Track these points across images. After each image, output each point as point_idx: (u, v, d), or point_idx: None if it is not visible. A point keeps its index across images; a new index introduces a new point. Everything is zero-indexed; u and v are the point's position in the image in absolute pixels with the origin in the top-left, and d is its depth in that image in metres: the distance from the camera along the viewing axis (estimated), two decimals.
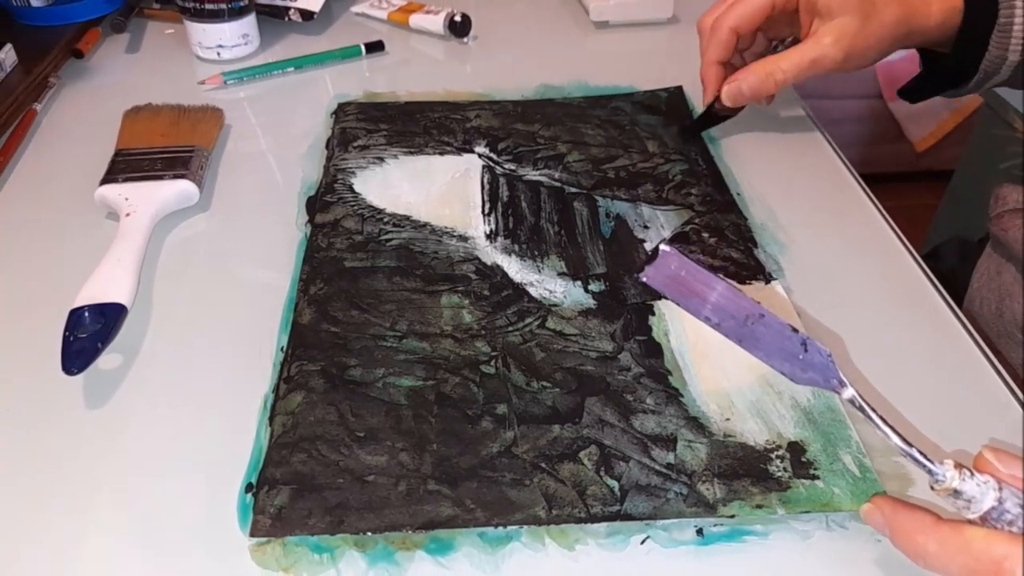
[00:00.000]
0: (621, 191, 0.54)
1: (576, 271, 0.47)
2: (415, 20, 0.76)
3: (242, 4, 0.69)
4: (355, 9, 0.80)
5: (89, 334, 0.40)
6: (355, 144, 0.58)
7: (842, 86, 1.78)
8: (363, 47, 0.71)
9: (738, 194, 0.54)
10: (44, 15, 0.72)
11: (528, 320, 0.44)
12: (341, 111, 0.63)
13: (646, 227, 0.51)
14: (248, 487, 0.35)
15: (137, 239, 0.47)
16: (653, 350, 0.42)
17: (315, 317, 0.44)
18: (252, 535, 0.33)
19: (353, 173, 0.55)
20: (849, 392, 0.33)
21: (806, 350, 0.33)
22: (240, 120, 0.63)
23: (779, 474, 0.36)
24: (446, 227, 0.50)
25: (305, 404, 0.39)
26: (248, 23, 0.70)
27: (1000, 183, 0.62)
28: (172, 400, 0.40)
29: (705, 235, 0.50)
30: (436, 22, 0.74)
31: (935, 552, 0.29)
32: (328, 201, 0.52)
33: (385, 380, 0.40)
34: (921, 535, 0.29)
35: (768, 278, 0.47)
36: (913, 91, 0.59)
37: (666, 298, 0.34)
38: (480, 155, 0.57)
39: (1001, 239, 0.59)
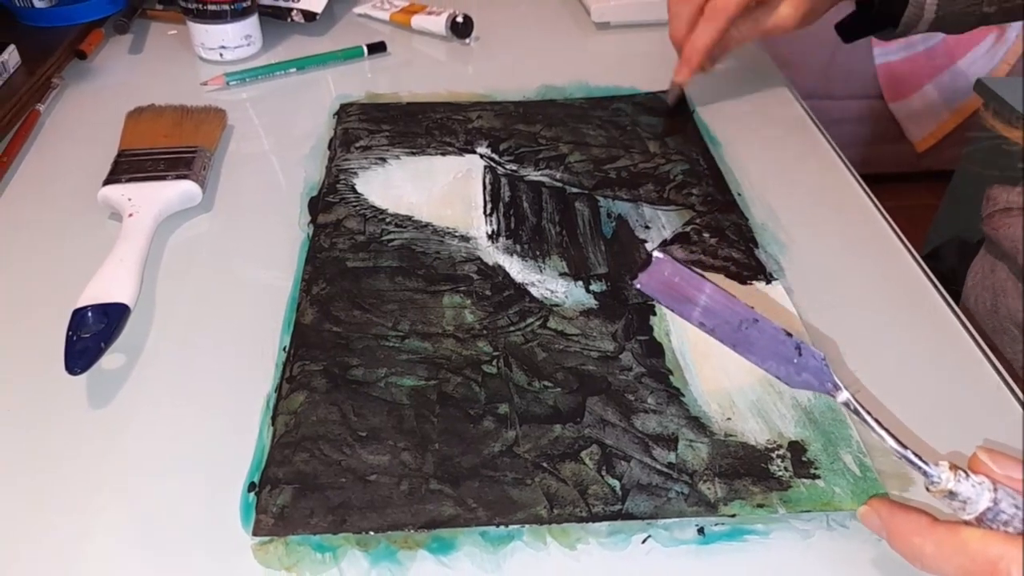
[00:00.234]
0: (622, 191, 0.54)
1: (577, 271, 0.47)
2: (417, 21, 0.76)
3: (245, 5, 0.69)
4: (357, 10, 0.80)
5: (92, 334, 0.40)
6: (357, 145, 0.58)
7: (843, 87, 1.78)
8: (365, 48, 0.71)
9: (739, 194, 0.54)
10: (47, 16, 0.73)
11: (530, 320, 0.44)
12: (343, 112, 0.63)
13: (647, 227, 0.51)
14: (251, 486, 0.35)
15: (140, 239, 0.48)
16: (654, 350, 0.42)
17: (317, 317, 0.44)
18: (255, 534, 0.33)
19: (355, 173, 0.55)
20: (844, 396, 0.33)
21: (800, 354, 0.34)
22: (242, 121, 0.63)
23: (780, 473, 0.36)
24: (448, 227, 0.51)
25: (307, 404, 0.39)
26: (251, 24, 0.70)
27: (991, 184, 0.64)
28: (174, 400, 0.40)
29: (706, 235, 0.50)
30: (438, 23, 0.74)
31: (932, 553, 0.29)
32: (330, 201, 0.53)
33: (387, 380, 0.40)
34: (918, 537, 0.29)
35: (769, 278, 0.47)
36: (847, 30, 0.63)
37: (660, 304, 0.35)
38: (482, 156, 0.57)
39: (993, 238, 0.60)
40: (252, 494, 0.35)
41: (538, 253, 0.49)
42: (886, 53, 1.73)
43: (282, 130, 0.63)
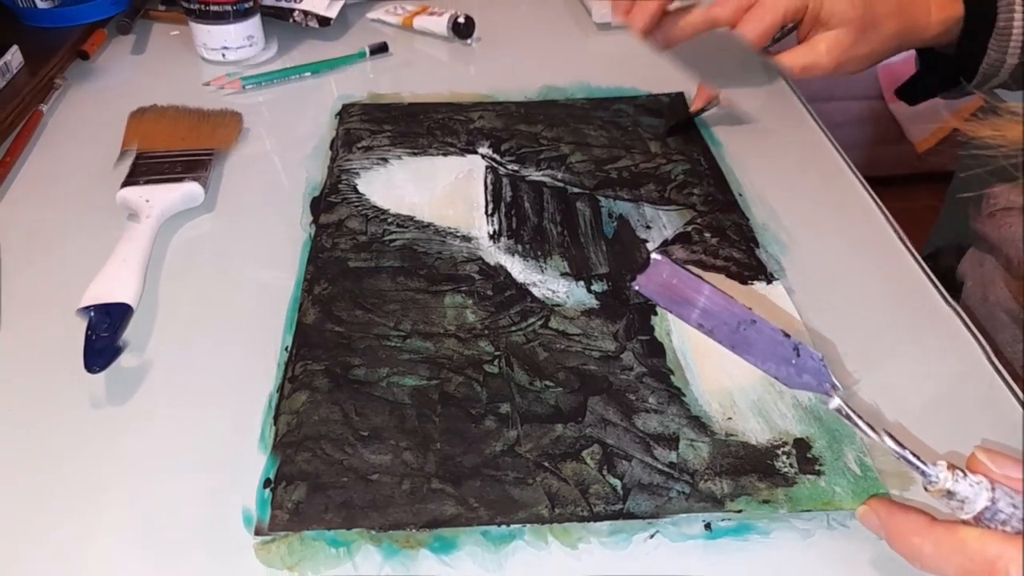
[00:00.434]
0: (623, 191, 0.54)
1: (579, 271, 0.47)
2: (419, 22, 0.76)
3: (247, 6, 0.69)
4: (371, 15, 0.80)
5: (110, 333, 0.40)
6: (359, 145, 0.59)
7: (844, 88, 1.78)
8: (367, 49, 0.72)
9: (740, 194, 0.54)
10: (50, 16, 0.73)
11: (531, 320, 0.44)
12: (345, 112, 0.63)
13: (648, 227, 0.51)
14: (267, 482, 0.36)
15: (143, 240, 0.48)
16: (655, 350, 0.42)
17: (319, 317, 0.44)
18: (270, 529, 0.34)
19: (357, 174, 0.56)
20: (835, 402, 0.33)
21: (799, 355, 0.34)
22: (247, 123, 0.63)
23: (785, 470, 0.36)
24: (450, 227, 0.51)
25: (309, 404, 0.39)
26: (253, 25, 0.70)
27: (992, 183, 0.64)
28: (177, 399, 0.40)
29: (707, 235, 0.50)
30: (440, 24, 0.75)
31: (930, 553, 0.29)
32: (332, 202, 0.53)
33: (389, 380, 0.40)
34: (917, 536, 0.29)
35: (770, 278, 0.47)
36: (911, 92, 0.60)
37: (659, 305, 0.35)
38: (483, 156, 0.58)
39: (991, 236, 0.60)
40: (268, 490, 0.35)
41: (539, 253, 0.49)
42: None
43: (284, 131, 0.63)
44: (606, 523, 0.34)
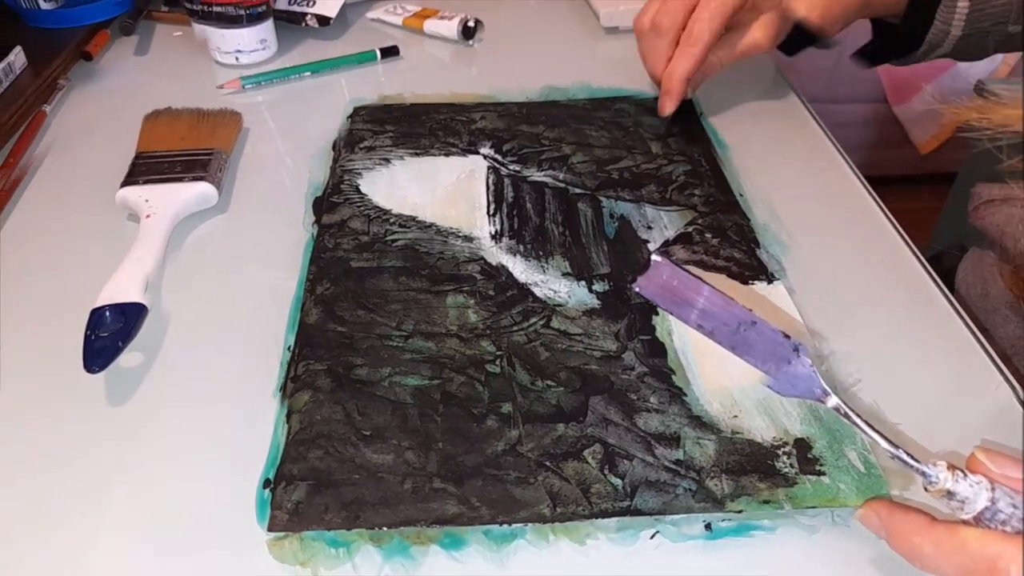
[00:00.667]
0: (625, 192, 0.54)
1: (580, 271, 0.47)
2: (429, 26, 0.76)
3: (260, 10, 0.69)
4: (371, 15, 0.80)
5: (110, 333, 0.41)
6: (361, 145, 0.59)
7: (847, 90, 1.78)
8: (378, 52, 0.72)
9: (741, 195, 0.54)
10: (53, 17, 0.73)
11: (533, 320, 0.44)
12: (356, 114, 0.63)
13: (650, 227, 0.51)
14: (266, 483, 0.36)
15: (157, 240, 0.48)
16: (657, 349, 0.42)
17: (322, 317, 0.44)
18: (270, 530, 0.34)
19: (360, 174, 0.56)
20: (833, 400, 0.33)
21: (798, 355, 0.34)
22: (258, 123, 0.63)
23: (786, 470, 0.36)
24: (451, 228, 0.51)
25: (312, 403, 0.39)
26: (266, 28, 0.71)
27: (975, 183, 0.66)
28: (190, 398, 0.40)
29: (708, 235, 0.50)
30: (450, 27, 0.75)
31: (931, 553, 0.29)
32: (335, 202, 0.53)
33: (391, 379, 0.40)
34: (917, 536, 0.30)
35: (770, 278, 0.47)
36: (866, 56, 0.65)
37: (659, 307, 0.35)
38: (485, 156, 0.58)
39: (980, 228, 0.61)
40: (267, 490, 0.35)
41: (541, 253, 0.49)
42: None
43: (298, 133, 0.63)
44: (614, 519, 0.34)
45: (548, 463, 0.36)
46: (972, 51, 0.60)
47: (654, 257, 0.34)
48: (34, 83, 0.64)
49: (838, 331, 0.44)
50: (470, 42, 0.75)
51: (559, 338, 0.43)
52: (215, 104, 0.62)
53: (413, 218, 0.52)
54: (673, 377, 0.41)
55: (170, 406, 0.40)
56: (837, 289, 0.47)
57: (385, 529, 0.34)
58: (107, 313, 0.42)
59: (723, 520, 0.35)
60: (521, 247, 0.49)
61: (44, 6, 0.73)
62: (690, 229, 0.51)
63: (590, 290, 0.46)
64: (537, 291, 0.46)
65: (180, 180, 0.52)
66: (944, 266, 0.69)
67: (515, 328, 0.43)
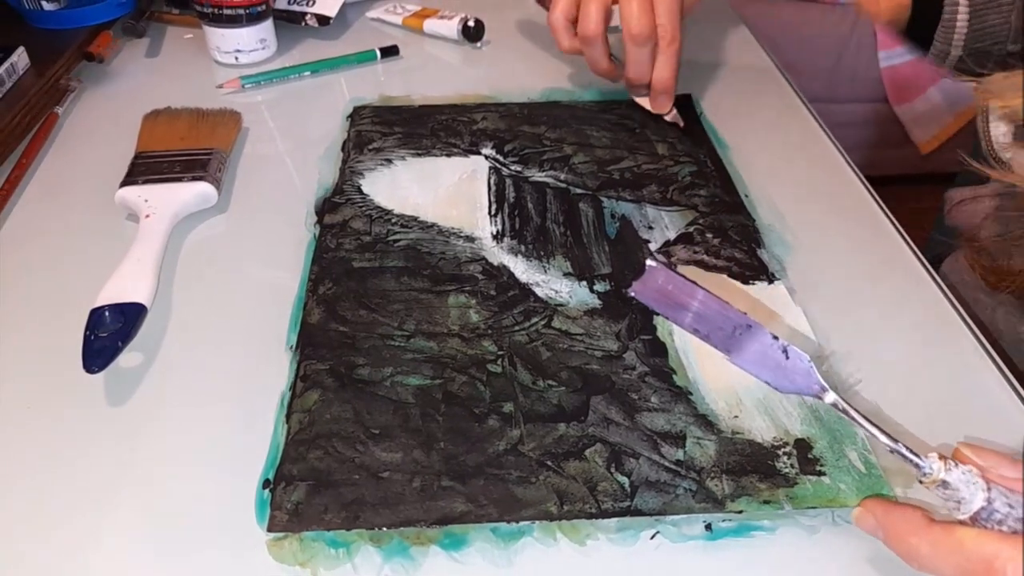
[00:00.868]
0: (626, 192, 0.54)
1: (581, 271, 0.47)
2: (429, 25, 0.76)
3: (260, 9, 0.69)
4: (370, 14, 0.80)
5: (110, 333, 0.41)
6: (371, 147, 0.59)
7: (848, 90, 1.78)
8: (378, 52, 0.72)
9: (746, 196, 0.54)
10: (56, 18, 0.73)
11: (534, 319, 0.44)
12: (356, 114, 0.63)
13: (651, 228, 0.51)
14: (265, 483, 0.36)
15: (157, 240, 0.48)
16: (658, 349, 0.42)
17: (324, 317, 0.44)
18: (269, 530, 0.34)
19: (362, 175, 0.56)
20: (831, 396, 0.33)
21: (787, 357, 0.34)
22: (258, 123, 0.63)
23: (786, 470, 0.36)
24: (453, 228, 0.51)
25: (321, 402, 0.39)
26: (266, 28, 0.71)
27: (949, 189, 0.68)
28: (190, 398, 0.40)
29: (709, 235, 0.50)
30: (450, 27, 0.75)
31: (928, 553, 0.29)
32: (336, 202, 0.53)
33: (393, 379, 0.40)
34: (914, 536, 0.30)
35: (771, 278, 0.47)
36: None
37: (655, 311, 0.35)
38: (486, 157, 0.58)
39: (955, 227, 0.64)
40: (267, 491, 0.35)
41: (542, 253, 0.49)
42: (890, 57, 1.73)
43: (297, 132, 0.63)
44: (614, 520, 0.34)
45: (549, 462, 0.36)
46: (975, 71, 0.60)
47: (649, 262, 0.35)
48: (37, 84, 0.64)
49: (839, 331, 0.44)
50: (478, 44, 0.75)
51: (560, 338, 0.43)
52: (215, 104, 0.62)
53: (415, 218, 0.52)
54: (674, 377, 0.41)
55: (170, 406, 0.40)
56: (837, 289, 0.47)
57: (385, 529, 0.34)
58: (106, 313, 0.42)
59: (723, 520, 0.35)
60: (522, 247, 0.49)
61: (47, 7, 0.73)
62: (691, 229, 0.51)
63: (591, 290, 0.46)
64: (538, 291, 0.46)
65: (179, 180, 0.52)
66: (944, 266, 0.69)
67: (516, 328, 0.43)
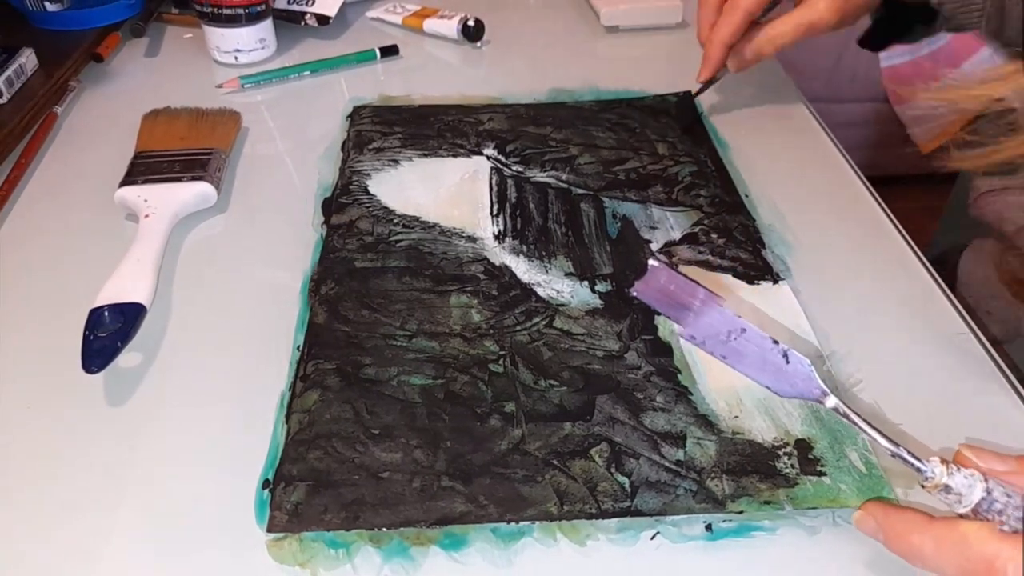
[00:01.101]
0: (631, 192, 0.54)
1: (583, 271, 0.47)
2: (429, 25, 0.76)
3: (259, 9, 0.69)
4: (370, 14, 0.80)
5: (109, 333, 0.41)
6: (370, 147, 0.59)
7: (849, 90, 1.78)
8: (378, 51, 0.72)
9: (746, 195, 0.54)
10: (62, 19, 0.73)
11: (536, 319, 0.44)
12: (356, 114, 0.63)
13: (654, 228, 0.51)
14: (265, 483, 0.36)
15: (156, 240, 0.48)
16: (661, 349, 0.42)
17: (326, 317, 0.44)
18: (269, 530, 0.34)
19: (368, 175, 0.56)
20: (832, 401, 0.33)
21: (788, 361, 0.34)
22: (257, 123, 0.63)
23: (787, 471, 0.36)
24: (455, 228, 0.51)
25: (321, 402, 0.39)
26: (265, 28, 0.71)
27: (973, 177, 0.67)
28: (190, 398, 0.40)
29: (714, 236, 0.50)
30: (450, 27, 0.75)
31: (931, 552, 0.29)
32: (344, 203, 0.53)
33: (399, 379, 0.40)
34: (916, 535, 0.30)
35: (776, 278, 0.47)
36: (873, 40, 0.63)
37: (657, 311, 0.35)
38: (488, 157, 0.58)
39: (979, 217, 0.63)
40: (267, 491, 0.35)
41: (544, 253, 0.49)
42: (891, 57, 1.73)
43: (297, 132, 0.63)
44: (614, 520, 0.34)
45: (555, 461, 0.36)
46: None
47: (651, 262, 0.35)
48: (45, 85, 0.64)
49: (840, 331, 0.44)
50: (478, 44, 0.75)
51: (562, 338, 0.43)
52: (214, 103, 0.62)
53: (417, 218, 0.52)
54: (679, 376, 0.41)
55: (170, 406, 0.40)
56: (838, 289, 0.47)
57: (385, 530, 0.34)
58: (106, 313, 0.42)
59: (724, 521, 0.34)
60: (524, 247, 0.49)
61: (50, 8, 0.72)
62: (696, 229, 0.51)
63: (592, 290, 0.46)
64: (540, 291, 0.46)
65: (179, 180, 0.52)
66: (946, 265, 0.69)
67: (518, 328, 0.43)
